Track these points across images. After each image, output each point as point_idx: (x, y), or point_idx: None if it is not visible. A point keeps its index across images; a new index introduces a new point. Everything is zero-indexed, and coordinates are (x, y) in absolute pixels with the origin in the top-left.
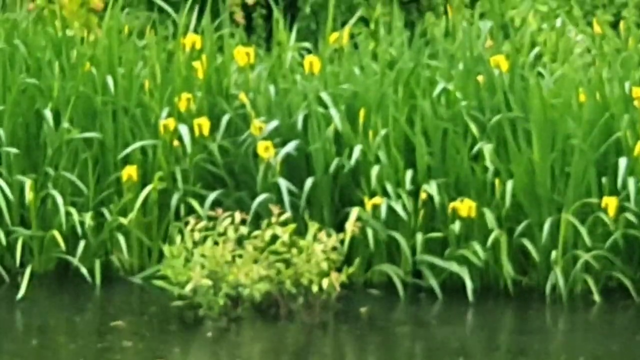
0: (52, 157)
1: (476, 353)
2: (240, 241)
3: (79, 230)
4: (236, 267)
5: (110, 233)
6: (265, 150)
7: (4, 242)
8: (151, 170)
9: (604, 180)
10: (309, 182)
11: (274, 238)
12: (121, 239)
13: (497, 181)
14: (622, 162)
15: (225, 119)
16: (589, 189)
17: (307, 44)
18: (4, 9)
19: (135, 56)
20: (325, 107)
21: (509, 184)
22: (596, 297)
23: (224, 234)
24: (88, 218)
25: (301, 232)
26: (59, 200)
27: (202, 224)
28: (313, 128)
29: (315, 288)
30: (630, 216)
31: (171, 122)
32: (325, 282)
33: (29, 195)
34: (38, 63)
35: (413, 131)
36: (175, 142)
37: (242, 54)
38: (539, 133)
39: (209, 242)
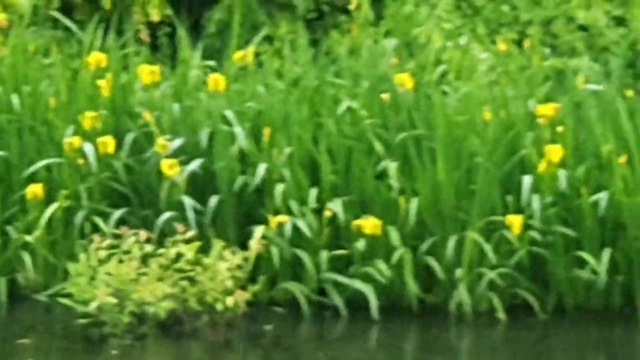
0: None
1: None
2: (145, 259)
3: None
4: (141, 285)
5: (16, 251)
6: (170, 168)
7: None
8: (56, 188)
9: (508, 198)
10: (213, 200)
11: (179, 256)
12: (26, 257)
13: (401, 199)
14: (527, 179)
15: (129, 137)
16: (493, 206)
17: (212, 62)
18: None
19: (40, 74)
20: (230, 125)
21: (414, 202)
22: (501, 314)
23: (129, 252)
24: None
25: (206, 250)
26: None
27: (107, 242)
28: (218, 146)
29: (220, 306)
30: (534, 234)
31: (76, 140)
32: (230, 300)
33: None
34: None
35: (318, 149)
36: (81, 160)
37: (147, 72)
38: (444, 151)
39: (114, 260)
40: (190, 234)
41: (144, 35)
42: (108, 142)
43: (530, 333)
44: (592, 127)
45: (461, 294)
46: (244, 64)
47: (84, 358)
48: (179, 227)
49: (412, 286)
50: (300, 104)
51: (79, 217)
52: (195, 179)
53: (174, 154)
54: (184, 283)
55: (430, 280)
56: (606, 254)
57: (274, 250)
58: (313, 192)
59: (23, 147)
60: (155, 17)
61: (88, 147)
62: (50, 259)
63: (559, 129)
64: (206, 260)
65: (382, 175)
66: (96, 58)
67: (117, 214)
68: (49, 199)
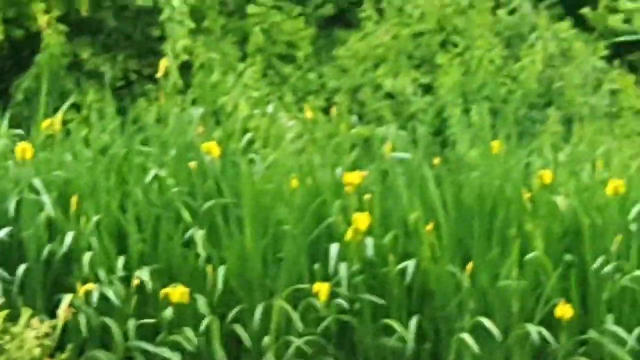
0: None
1: None
2: None
3: None
4: None
5: None
6: None
7: None
8: None
9: (316, 265)
10: (21, 268)
11: None
12: None
13: (209, 267)
14: (334, 247)
15: None
16: (301, 274)
17: (19, 131)
18: None
19: None
20: (38, 193)
21: (221, 270)
22: None
23: None
24: None
25: (14, 318)
26: None
27: None
28: (25, 214)
29: None
30: (342, 301)
31: None
32: None
33: None
34: None
35: (125, 217)
36: None
37: None
38: (251, 219)
39: None
40: None
41: None
42: None
43: None
44: (399, 195)
45: None
46: (52, 132)
47: None
48: None
49: (220, 354)
50: (108, 172)
51: None
52: (3, 247)
53: None
54: None
55: (238, 348)
56: (413, 321)
57: (82, 319)
58: (121, 260)
59: None
60: None
61: None
62: None
63: (366, 196)
64: (14, 329)
65: (189, 243)
66: None
67: None
68: None
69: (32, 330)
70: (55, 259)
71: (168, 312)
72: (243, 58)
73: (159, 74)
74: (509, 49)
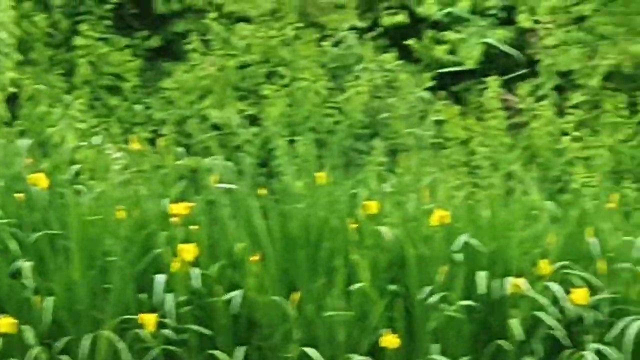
0: None
1: None
2: None
3: None
4: None
5: None
6: None
7: None
8: None
9: (142, 296)
10: None
11: None
12: None
13: (37, 298)
14: (159, 278)
15: None
16: (128, 305)
17: None
18: None
19: None
20: None
21: (49, 301)
22: None
23: None
24: None
25: None
26: None
27: None
28: None
29: None
30: (168, 332)
31: None
32: None
33: None
34: None
35: None
36: None
37: None
38: (79, 250)
39: None
40: None
41: None
42: None
43: None
44: (225, 226)
45: None
46: None
47: None
48: None
49: None
50: None
51: None
52: None
53: None
54: None
55: None
56: (240, 351)
57: None
58: None
59: None
60: None
61: None
62: None
63: (193, 227)
64: None
65: (17, 275)
66: None
67: None
68: None
69: None
70: None
71: None
72: (70, 90)
73: None
74: (334, 80)
